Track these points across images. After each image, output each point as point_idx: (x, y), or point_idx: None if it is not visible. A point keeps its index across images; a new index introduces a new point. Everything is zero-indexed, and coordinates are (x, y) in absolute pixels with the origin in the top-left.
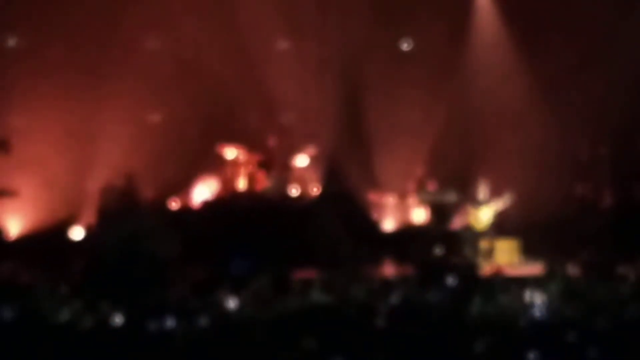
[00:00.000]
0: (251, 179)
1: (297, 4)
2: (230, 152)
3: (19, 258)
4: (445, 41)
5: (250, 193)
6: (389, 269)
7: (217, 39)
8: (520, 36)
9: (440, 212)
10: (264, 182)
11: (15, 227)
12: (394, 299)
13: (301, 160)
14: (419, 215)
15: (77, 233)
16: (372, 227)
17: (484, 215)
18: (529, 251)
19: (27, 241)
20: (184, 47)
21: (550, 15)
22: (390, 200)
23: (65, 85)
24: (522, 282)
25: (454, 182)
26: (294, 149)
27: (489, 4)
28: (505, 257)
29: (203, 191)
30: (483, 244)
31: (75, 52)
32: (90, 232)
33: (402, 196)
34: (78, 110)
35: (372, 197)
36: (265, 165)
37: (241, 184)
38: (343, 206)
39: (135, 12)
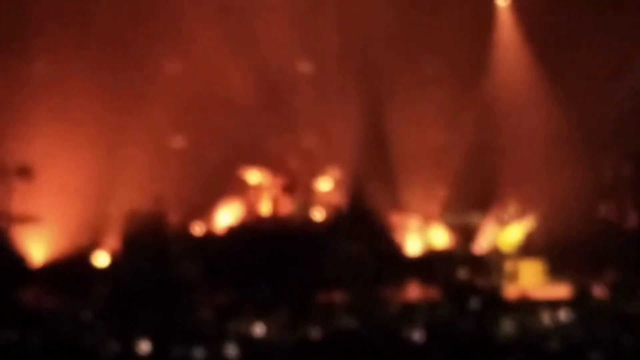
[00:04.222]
0: (275, 203)
1: (320, 27)
2: (254, 176)
3: (43, 284)
4: (467, 60)
5: (274, 217)
6: (413, 292)
7: (240, 62)
8: (543, 53)
9: (465, 234)
10: (288, 206)
11: (39, 254)
12: (419, 322)
13: (325, 184)
14: (443, 237)
15: (101, 259)
16: (396, 249)
17: (510, 236)
18: (554, 272)
19: (51, 267)
20: (206, 71)
21: (574, 30)
22: (413, 222)
23: (88, 111)
24: (548, 304)
25: (478, 203)
26: (318, 173)
27: (510, 22)
28: (530, 278)
29: (227, 215)
30: (508, 266)
31: (98, 77)
32: (114, 257)
33: (426, 218)
34: (101, 135)
35: (395, 219)
36: (289, 189)
37: (265, 208)
38: (366, 229)
39: (158, 36)
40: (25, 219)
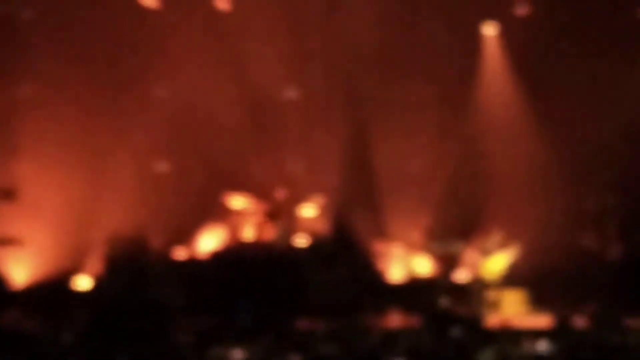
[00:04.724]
0: (258, 229)
1: (306, 53)
2: (238, 202)
3: (24, 307)
4: (453, 89)
5: (257, 243)
6: (394, 320)
7: (224, 88)
8: (529, 83)
9: (448, 263)
10: (271, 233)
11: (20, 276)
12: (400, 350)
13: (308, 210)
14: (426, 265)
15: (83, 282)
16: (378, 277)
17: (492, 266)
18: (536, 302)
19: (32, 290)
20: (191, 96)
21: (560, 61)
22: (396, 250)
23: (72, 133)
24: (530, 334)
25: (461, 232)
26: (302, 199)
27: (498, 51)
28: (512, 308)
29: (210, 241)
30: (490, 295)
31: (81, 100)
32: (96, 281)
33: (409, 246)
34: (85, 158)
35: (379, 246)
36: (273, 215)
37: (248, 234)
38: (350, 256)
39: (144, 60)
40: (7, 241)
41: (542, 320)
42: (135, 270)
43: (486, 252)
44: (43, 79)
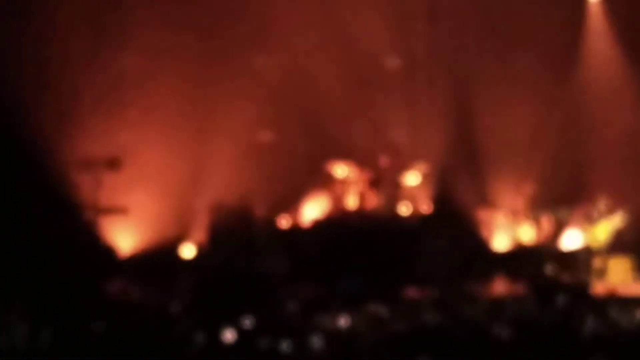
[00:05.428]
0: (362, 197)
1: (409, 23)
2: (341, 170)
3: (130, 276)
4: (557, 55)
5: (360, 211)
6: (500, 288)
7: (327, 56)
8: (635, 49)
9: (552, 230)
10: (375, 201)
11: (126, 245)
12: (506, 318)
13: (412, 178)
14: (530, 233)
15: (188, 251)
16: (483, 245)
17: (599, 233)
18: None
19: (138, 259)
20: (293, 65)
21: None
22: (501, 217)
23: (176, 105)
24: (637, 302)
25: (566, 199)
26: (405, 167)
27: (602, 17)
28: (619, 275)
29: (313, 209)
30: (596, 263)
31: (187, 72)
32: (201, 250)
33: (514, 213)
34: (188, 128)
35: (483, 214)
36: (376, 183)
37: (351, 202)
38: (454, 224)
39: (247, 31)
40: (113, 211)
41: None
42: (239, 238)
43: (592, 220)
44: (148, 50)
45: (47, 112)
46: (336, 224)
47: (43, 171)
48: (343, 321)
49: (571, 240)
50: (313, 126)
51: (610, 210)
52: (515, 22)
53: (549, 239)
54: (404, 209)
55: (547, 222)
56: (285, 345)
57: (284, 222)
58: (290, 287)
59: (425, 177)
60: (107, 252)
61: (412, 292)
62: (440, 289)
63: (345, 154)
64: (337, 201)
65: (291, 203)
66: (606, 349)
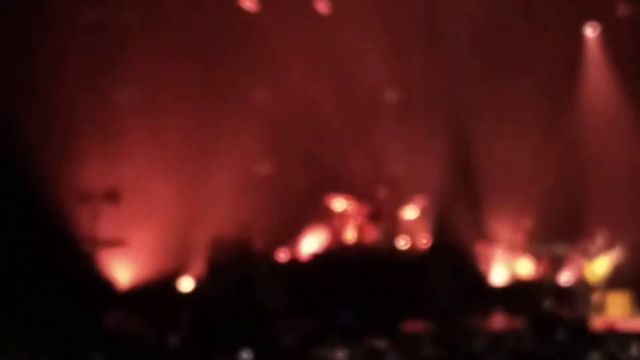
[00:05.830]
0: (360, 231)
1: (407, 56)
2: (339, 204)
3: (128, 308)
4: (555, 91)
5: (359, 245)
6: (498, 322)
7: (326, 90)
8: (632, 84)
9: (551, 265)
10: (373, 234)
11: (124, 278)
12: (505, 352)
13: (410, 212)
14: (528, 267)
15: (186, 284)
16: (482, 279)
17: (597, 268)
18: None
19: (136, 292)
20: (293, 99)
21: None
22: (499, 251)
23: (175, 137)
24: (636, 337)
25: (565, 234)
26: (403, 201)
27: (599, 53)
28: (618, 310)
29: (312, 243)
30: (595, 298)
31: (186, 104)
32: (199, 283)
33: (512, 248)
34: (187, 161)
35: (482, 248)
36: (375, 217)
37: (350, 236)
38: (452, 258)
39: (246, 64)
40: (112, 243)
41: None
42: (238, 271)
43: (590, 254)
44: (147, 84)
45: (46, 144)
46: (335, 257)
47: (42, 203)
48: (341, 355)
49: (568, 275)
50: (311, 160)
51: (609, 245)
52: (513, 57)
53: (547, 274)
54: (403, 243)
55: (545, 257)
56: None
57: (282, 255)
58: (288, 321)
59: (424, 211)
60: (106, 285)
61: (410, 326)
62: (439, 322)
63: (343, 188)
64: (336, 235)
65: (290, 236)
66: None
